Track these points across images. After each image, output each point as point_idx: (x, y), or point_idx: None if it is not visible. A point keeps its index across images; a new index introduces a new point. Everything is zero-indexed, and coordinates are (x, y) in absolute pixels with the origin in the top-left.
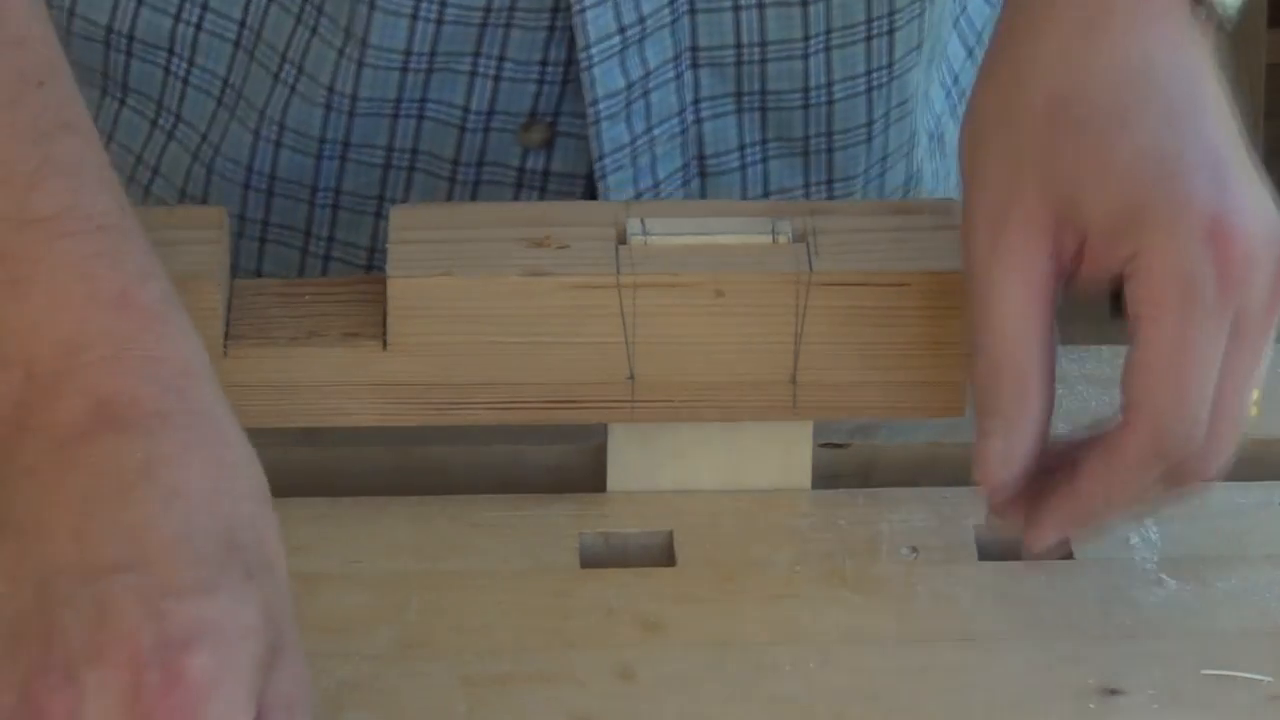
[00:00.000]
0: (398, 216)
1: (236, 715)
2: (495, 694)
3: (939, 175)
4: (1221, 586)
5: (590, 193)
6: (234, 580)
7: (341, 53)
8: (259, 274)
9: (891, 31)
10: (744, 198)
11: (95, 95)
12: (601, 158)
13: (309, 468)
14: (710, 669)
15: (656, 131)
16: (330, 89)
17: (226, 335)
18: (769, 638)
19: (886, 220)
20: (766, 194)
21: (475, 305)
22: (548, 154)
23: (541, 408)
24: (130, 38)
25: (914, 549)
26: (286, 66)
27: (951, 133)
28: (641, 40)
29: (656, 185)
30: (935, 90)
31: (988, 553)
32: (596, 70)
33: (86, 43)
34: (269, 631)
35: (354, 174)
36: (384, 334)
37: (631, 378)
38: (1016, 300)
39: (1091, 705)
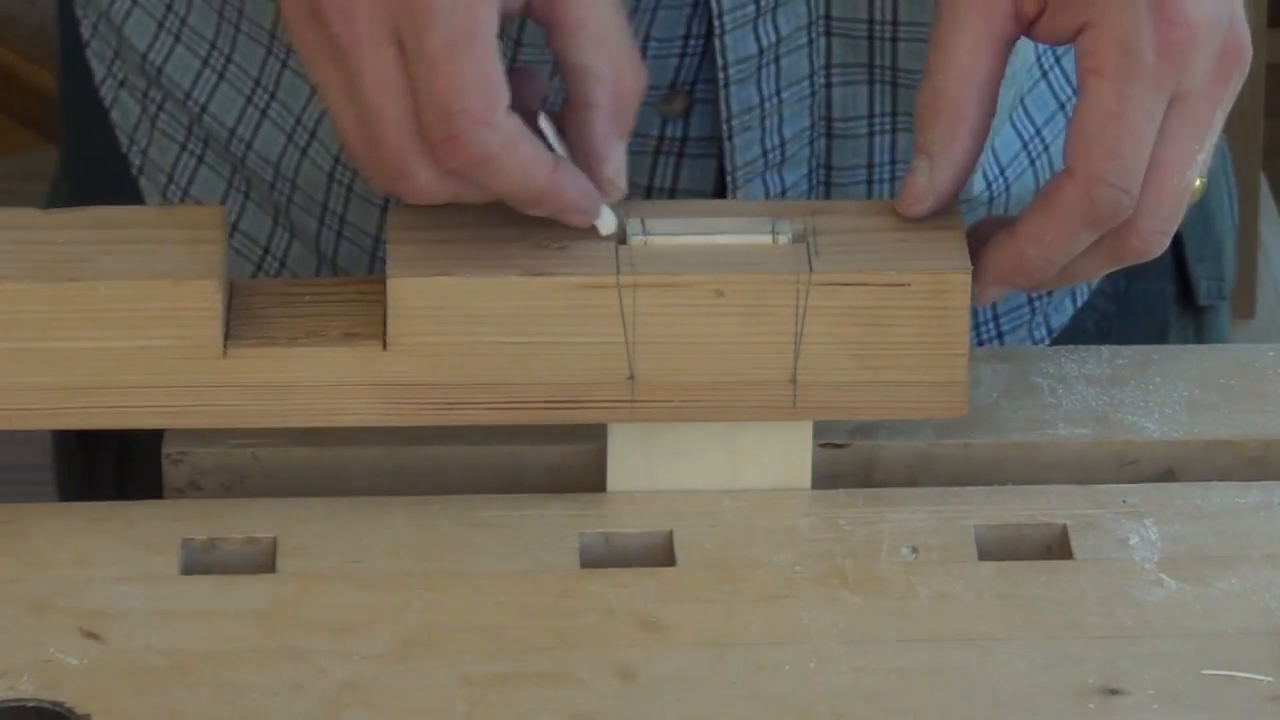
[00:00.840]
0: (397, 216)
1: None
2: (495, 694)
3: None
4: (1221, 586)
5: (721, 152)
6: None
7: None
8: None
9: None
10: (869, 163)
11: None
12: (731, 119)
13: (309, 468)
14: (710, 669)
15: (785, 95)
16: None
17: (226, 335)
18: (769, 638)
19: (886, 220)
20: (894, 162)
21: (475, 305)
22: (685, 121)
23: (541, 408)
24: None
25: (914, 549)
26: None
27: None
28: (775, 9)
29: (783, 144)
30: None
31: (988, 553)
32: (729, 38)
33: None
34: None
35: None
36: (384, 334)
37: (631, 378)
38: (969, 42)
39: (1091, 705)
